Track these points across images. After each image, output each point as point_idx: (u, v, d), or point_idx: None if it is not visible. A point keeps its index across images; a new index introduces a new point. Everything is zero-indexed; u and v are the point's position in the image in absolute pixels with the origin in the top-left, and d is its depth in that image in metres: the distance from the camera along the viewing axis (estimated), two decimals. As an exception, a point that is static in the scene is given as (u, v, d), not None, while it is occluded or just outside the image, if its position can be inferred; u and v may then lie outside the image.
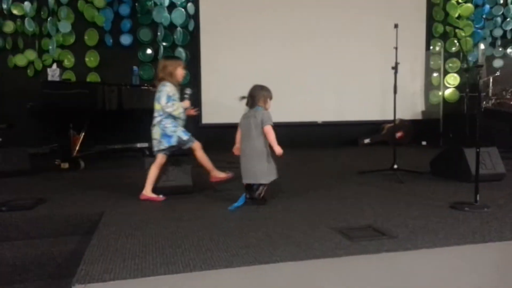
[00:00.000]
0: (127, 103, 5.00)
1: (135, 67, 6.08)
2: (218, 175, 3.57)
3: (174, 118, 3.35)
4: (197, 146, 3.45)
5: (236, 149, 3.28)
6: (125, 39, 6.28)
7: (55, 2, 5.97)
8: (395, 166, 4.13)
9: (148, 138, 5.75)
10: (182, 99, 3.46)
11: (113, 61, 6.18)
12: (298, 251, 2.14)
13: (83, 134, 4.81)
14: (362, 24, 6.95)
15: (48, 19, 5.91)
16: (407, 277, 1.92)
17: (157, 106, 3.34)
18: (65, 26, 6.01)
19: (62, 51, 6.10)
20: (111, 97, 4.85)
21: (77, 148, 4.75)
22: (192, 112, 3.52)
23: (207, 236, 2.38)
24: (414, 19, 7.34)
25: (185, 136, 3.40)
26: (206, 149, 6.18)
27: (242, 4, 6.60)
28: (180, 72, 3.39)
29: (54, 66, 5.22)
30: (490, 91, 7.03)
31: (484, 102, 6.92)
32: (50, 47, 5.94)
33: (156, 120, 3.36)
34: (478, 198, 2.91)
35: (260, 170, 3.06)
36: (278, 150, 3.07)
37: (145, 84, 5.82)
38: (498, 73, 7.22)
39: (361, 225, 2.57)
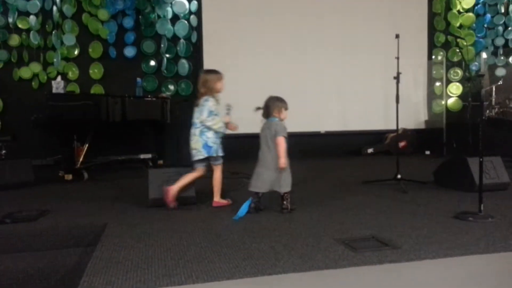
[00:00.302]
0: (130, 115, 5.03)
1: (138, 79, 6.14)
2: (220, 201, 3.54)
3: (215, 131, 3.40)
4: (221, 167, 3.49)
5: None
6: (129, 51, 6.36)
7: (60, 16, 6.07)
8: (399, 176, 4.12)
9: (151, 149, 5.86)
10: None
11: (117, 73, 6.25)
12: (301, 262, 2.13)
13: (86, 145, 4.84)
14: (365, 34, 7.00)
15: (53, 32, 6.00)
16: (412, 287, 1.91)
17: (200, 118, 3.41)
18: (69, 39, 6.10)
19: (66, 64, 6.18)
20: (115, 108, 4.89)
21: (80, 159, 4.77)
22: (233, 127, 3.58)
23: (209, 248, 2.38)
24: (416, 29, 7.38)
25: (221, 153, 3.45)
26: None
27: (245, 16, 6.67)
28: (220, 86, 3.46)
29: (59, 78, 5.28)
30: (493, 100, 7.02)
31: (487, 111, 6.92)
32: (55, 60, 6.02)
33: (198, 130, 3.41)
34: (482, 208, 2.89)
35: (285, 179, 3.16)
36: (282, 162, 3.14)
37: (149, 96, 5.87)
38: (500, 82, 7.22)
39: (365, 236, 2.56)
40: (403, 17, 7.18)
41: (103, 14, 6.25)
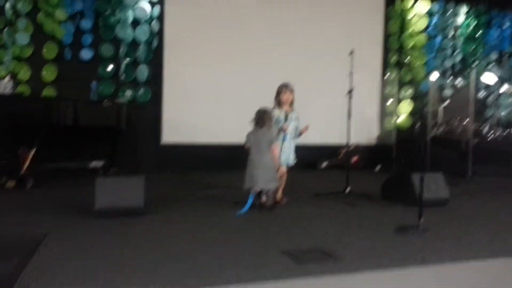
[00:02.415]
0: (83, 120, 4.85)
1: (94, 83, 5.96)
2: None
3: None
4: (283, 170, 3.97)
5: None
6: (86, 54, 6.17)
7: (13, 13, 5.81)
8: (348, 190, 4.25)
9: (104, 156, 5.68)
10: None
11: (72, 76, 6.02)
12: (245, 273, 2.15)
13: (34, 150, 4.61)
14: (322, 49, 7.20)
15: (5, 29, 5.72)
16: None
17: None
18: (23, 38, 5.84)
19: (18, 63, 5.90)
20: (66, 112, 4.70)
21: (26, 165, 4.54)
22: (304, 130, 4.14)
23: (153, 260, 2.34)
24: (371, 47, 7.69)
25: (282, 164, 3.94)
26: (166, 169, 6.18)
27: (208, 24, 6.67)
28: (283, 98, 4.04)
29: (7, 79, 5.03)
30: (440, 119, 7.44)
31: (434, 130, 7.31)
32: (6, 59, 5.73)
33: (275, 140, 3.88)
34: (421, 222, 3.04)
35: (269, 178, 3.66)
36: (278, 165, 3.84)
37: (105, 100, 5.71)
38: (447, 102, 7.67)
39: (310, 247, 2.62)
40: (360, 35, 7.46)
41: (60, 14, 6.04)
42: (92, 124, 5.14)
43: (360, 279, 2.15)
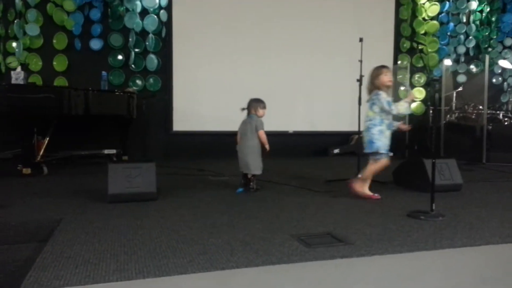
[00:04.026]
0: (94, 109, 4.91)
1: (104, 72, 6.00)
2: (363, 189, 3.66)
3: (382, 128, 3.52)
4: (384, 162, 3.56)
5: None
6: (95, 44, 6.21)
7: (23, 5, 5.85)
8: (359, 176, 4.22)
9: (116, 144, 5.74)
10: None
11: (82, 66, 6.09)
12: (255, 257, 2.16)
13: (47, 139, 4.69)
14: (333, 38, 7.13)
15: (15, 21, 5.78)
16: (359, 282, 1.97)
17: (369, 113, 3.58)
18: (33, 29, 5.89)
19: (29, 54, 5.97)
20: (78, 102, 4.76)
21: (41, 153, 4.62)
22: (404, 127, 3.74)
23: (165, 243, 2.37)
24: (382, 34, 7.59)
25: (383, 150, 3.53)
26: (176, 156, 6.23)
27: (216, 14, 6.65)
28: (384, 79, 3.53)
29: (19, 69, 5.09)
30: (454, 105, 7.33)
31: (448, 116, 7.21)
32: (16, 50, 5.80)
33: (366, 125, 3.61)
34: (433, 207, 3.02)
35: (254, 164, 3.85)
36: (268, 147, 3.92)
37: (115, 90, 5.75)
38: (461, 88, 7.55)
39: (320, 232, 2.62)
40: (371, 22, 7.37)
41: (69, 4, 6.08)
42: (103, 113, 5.19)
43: (371, 263, 2.15)
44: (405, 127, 3.78)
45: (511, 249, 2.43)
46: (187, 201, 3.49)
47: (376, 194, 3.64)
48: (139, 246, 2.30)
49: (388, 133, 3.58)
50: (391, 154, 3.64)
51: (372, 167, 3.62)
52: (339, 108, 7.11)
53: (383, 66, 3.62)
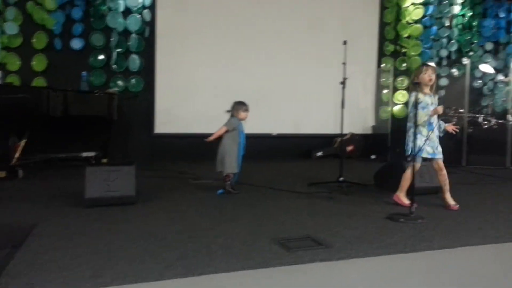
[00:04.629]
0: (73, 110, 4.80)
1: (83, 73, 5.88)
2: (403, 199, 3.52)
3: (420, 130, 3.36)
4: (413, 166, 3.33)
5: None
6: (76, 43, 6.08)
7: (2, 2, 5.70)
8: (341, 178, 4.24)
9: (95, 146, 5.64)
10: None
11: (62, 66, 5.94)
12: (235, 261, 2.14)
13: (24, 141, 4.56)
14: (317, 40, 7.15)
15: (-7, 19, 5.62)
16: (338, 285, 1.96)
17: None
18: (12, 28, 5.73)
19: (7, 54, 5.81)
20: (56, 103, 4.65)
21: (16, 155, 4.49)
22: (451, 128, 3.61)
23: (143, 248, 2.32)
24: (366, 37, 7.64)
25: (418, 152, 3.30)
26: (158, 159, 6.15)
27: (201, 14, 6.60)
28: (425, 77, 3.38)
29: (-4, 69, 4.96)
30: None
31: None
32: (-6, 49, 5.64)
33: (407, 127, 3.50)
34: (413, 210, 3.04)
35: (222, 162, 3.87)
36: (210, 138, 3.89)
37: (96, 91, 5.65)
38: (443, 92, 7.66)
39: (301, 236, 2.61)
40: (355, 25, 7.42)
41: (49, 3, 5.93)
42: (83, 114, 5.08)
43: (349, 266, 2.15)
44: (451, 127, 3.63)
45: (487, 251, 2.47)
46: (167, 205, 3.44)
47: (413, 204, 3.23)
48: (116, 252, 2.25)
49: (426, 134, 3.37)
50: (430, 157, 3.44)
51: (405, 174, 3.46)
52: (323, 111, 7.13)
53: (424, 64, 3.62)
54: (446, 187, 3.49)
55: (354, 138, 7.33)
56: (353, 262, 2.18)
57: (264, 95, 6.85)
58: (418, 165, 3.43)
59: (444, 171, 3.48)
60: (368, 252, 2.31)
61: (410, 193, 3.17)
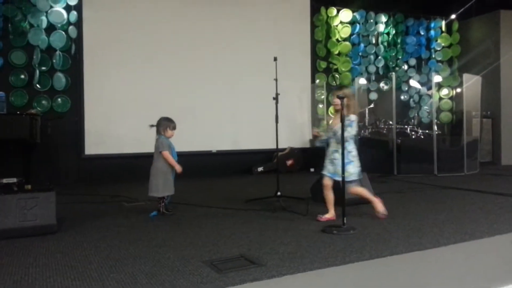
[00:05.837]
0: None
1: (1, 93, 5.42)
2: (327, 215, 3.51)
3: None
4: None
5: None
6: (-6, 62, 5.62)
7: None
8: (279, 193, 4.24)
9: (17, 172, 5.17)
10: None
11: (-22, 86, 5.45)
12: (159, 290, 2.00)
13: None
14: (254, 57, 7.23)
15: None
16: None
17: None
18: None
19: None
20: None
21: None
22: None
23: (58, 282, 2.11)
24: (300, 54, 7.88)
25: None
26: (89, 182, 5.79)
27: (130, 30, 6.41)
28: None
29: None
30: (366, 121, 7.80)
31: (362, 131, 7.64)
32: None
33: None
34: (345, 221, 3.09)
35: (156, 186, 3.70)
36: (179, 168, 3.75)
37: (17, 112, 5.22)
38: (372, 105, 8.08)
39: (234, 255, 2.53)
40: (289, 42, 7.62)
41: (-38, 18, 5.46)
42: (2, 137, 4.65)
43: (280, 284, 2.10)
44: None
45: (413, 258, 2.55)
46: (93, 232, 3.19)
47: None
48: (27, 287, 2.01)
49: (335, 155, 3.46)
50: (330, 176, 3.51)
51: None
52: (262, 127, 7.16)
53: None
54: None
55: (293, 152, 7.45)
56: (284, 280, 2.14)
57: (202, 111, 6.78)
58: (325, 181, 3.54)
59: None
60: (299, 267, 2.28)
61: (340, 204, 3.22)
